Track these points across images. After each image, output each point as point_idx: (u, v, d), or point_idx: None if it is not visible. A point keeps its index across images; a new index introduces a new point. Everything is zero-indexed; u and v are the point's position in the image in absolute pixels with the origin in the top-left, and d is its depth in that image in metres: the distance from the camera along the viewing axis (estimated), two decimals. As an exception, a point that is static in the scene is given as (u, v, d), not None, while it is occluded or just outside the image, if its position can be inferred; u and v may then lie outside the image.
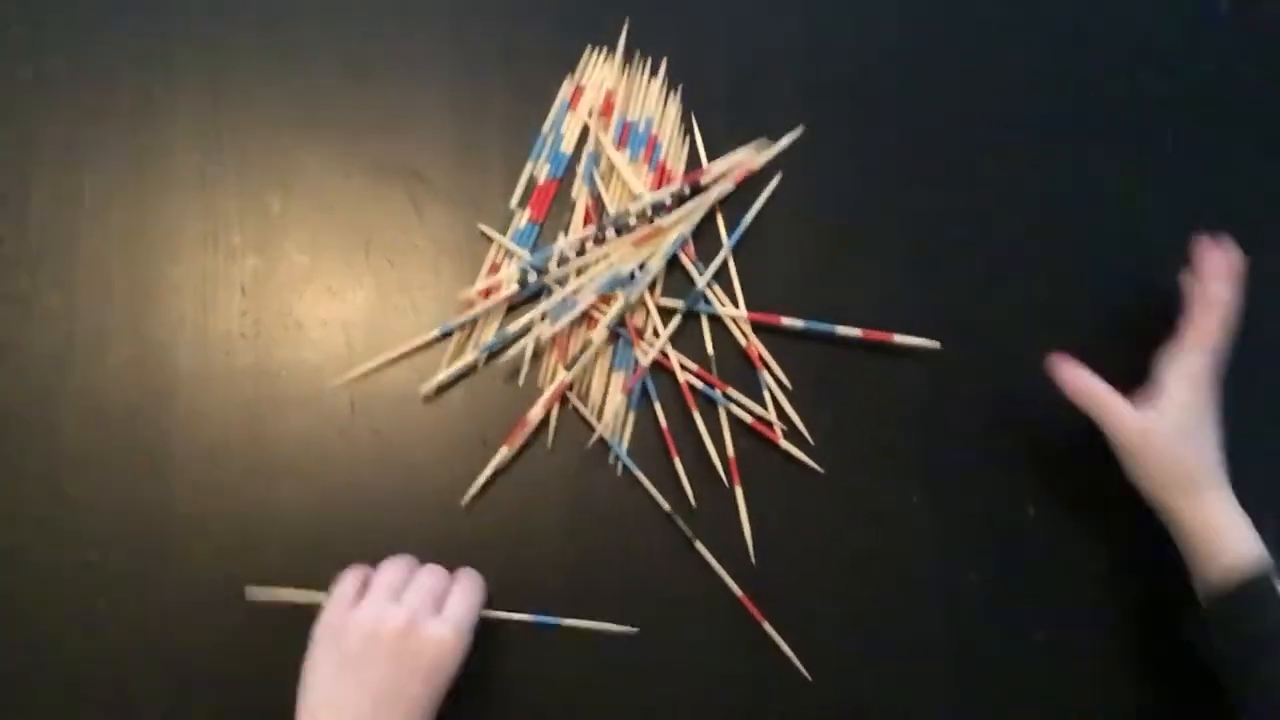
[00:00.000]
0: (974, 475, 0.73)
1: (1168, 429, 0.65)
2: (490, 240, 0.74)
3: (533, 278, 0.72)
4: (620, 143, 0.76)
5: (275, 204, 0.74)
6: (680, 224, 0.73)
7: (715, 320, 0.73)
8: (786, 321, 0.73)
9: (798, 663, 0.69)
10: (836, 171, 0.77)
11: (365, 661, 0.58)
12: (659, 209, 0.74)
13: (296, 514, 0.70)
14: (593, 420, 0.71)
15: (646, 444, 0.72)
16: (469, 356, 0.72)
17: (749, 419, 0.72)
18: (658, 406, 0.72)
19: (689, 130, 0.76)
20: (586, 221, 0.74)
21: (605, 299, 0.72)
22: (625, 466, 0.71)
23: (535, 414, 0.70)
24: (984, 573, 0.72)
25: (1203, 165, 0.79)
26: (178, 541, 0.69)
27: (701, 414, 0.71)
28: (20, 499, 0.70)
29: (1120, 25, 0.82)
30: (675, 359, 0.72)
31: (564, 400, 0.72)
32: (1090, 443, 0.72)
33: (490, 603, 0.66)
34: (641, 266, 0.73)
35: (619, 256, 0.73)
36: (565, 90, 0.76)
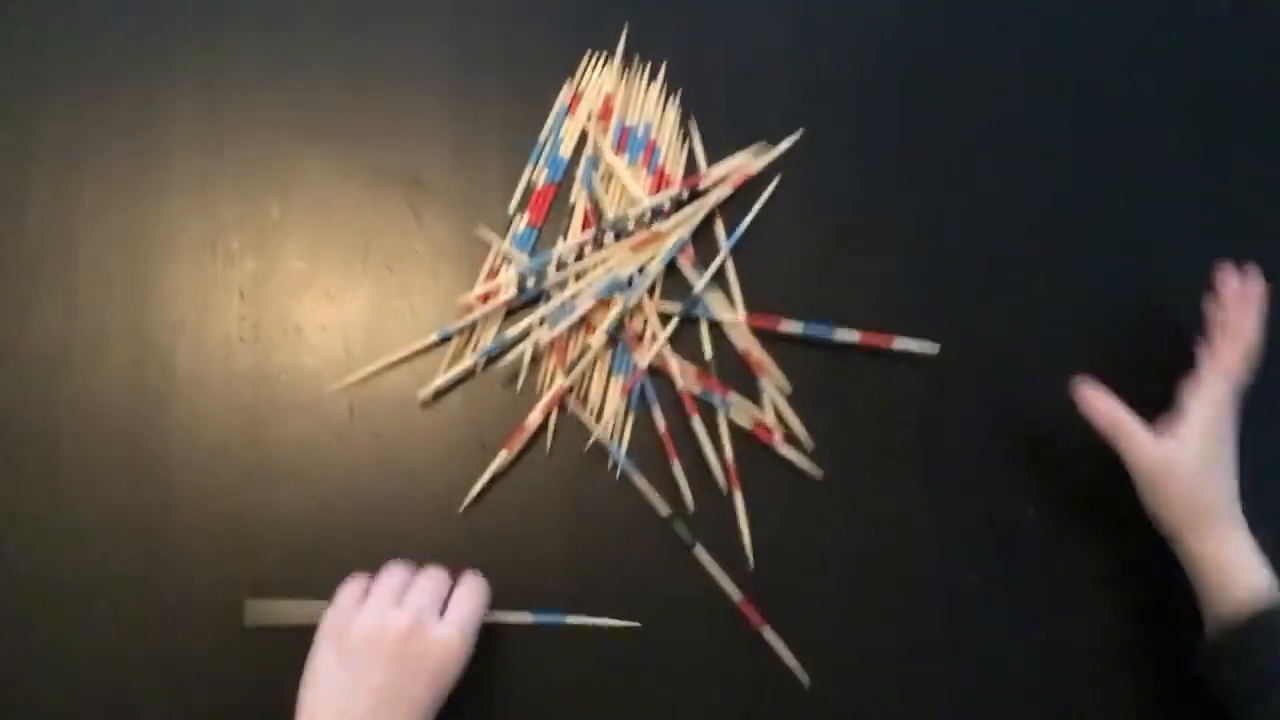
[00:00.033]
0: (973, 478, 0.73)
1: (1189, 460, 0.64)
2: (489, 245, 0.74)
3: (531, 282, 0.72)
4: (619, 147, 0.76)
5: (274, 208, 0.74)
6: (679, 228, 0.73)
7: (714, 324, 0.73)
8: (785, 325, 0.73)
9: (797, 666, 0.69)
10: (835, 175, 0.77)
11: (368, 663, 0.58)
12: (658, 213, 0.74)
13: (295, 518, 0.70)
14: (591, 424, 0.71)
15: (645, 448, 0.72)
16: (468, 361, 0.72)
17: (747, 423, 0.72)
18: (656, 410, 0.72)
19: (687, 134, 0.76)
20: (585, 226, 0.74)
21: (604, 303, 0.72)
22: (624, 471, 0.71)
23: (534, 418, 0.70)
24: (983, 575, 0.72)
25: (1203, 166, 0.80)
26: (176, 545, 0.69)
27: (700, 418, 0.71)
28: (19, 501, 0.70)
29: (1120, 26, 0.82)
30: (674, 363, 0.72)
31: (563, 405, 0.72)
32: (1088, 445, 0.72)
33: (492, 606, 0.66)
34: (640, 271, 0.73)
35: (618, 261, 0.73)
36: (564, 95, 0.76)
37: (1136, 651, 0.71)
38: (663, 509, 0.70)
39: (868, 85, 0.79)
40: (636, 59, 0.77)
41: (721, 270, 0.74)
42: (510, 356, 0.71)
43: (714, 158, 0.76)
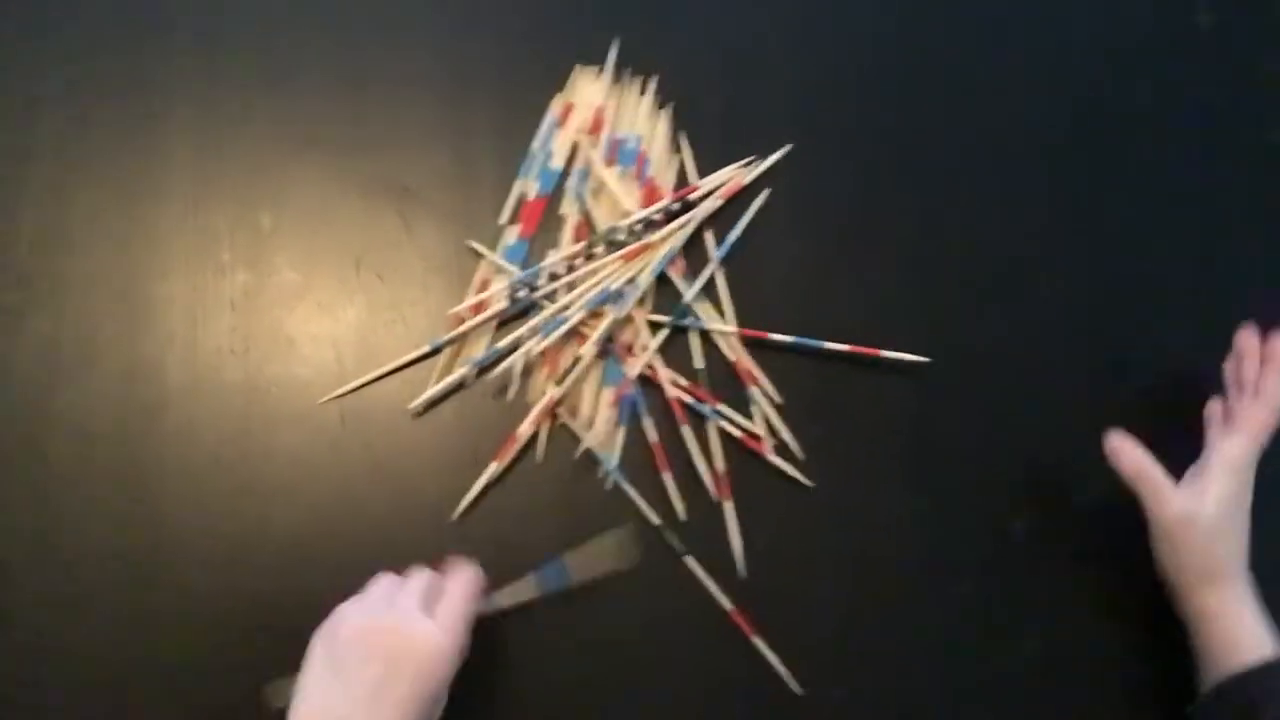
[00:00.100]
0: (962, 488, 0.74)
1: (1209, 519, 0.64)
2: (480, 256, 0.74)
3: (522, 294, 0.73)
4: (609, 159, 0.76)
5: (266, 220, 0.74)
6: (669, 240, 0.74)
7: (704, 335, 0.74)
8: (775, 336, 0.73)
9: (788, 675, 0.69)
10: (824, 187, 0.77)
11: (353, 663, 0.57)
12: (648, 225, 0.74)
13: (287, 529, 0.70)
14: (582, 435, 0.71)
15: (636, 458, 0.72)
16: (459, 372, 0.72)
17: (738, 433, 0.72)
18: (647, 421, 0.72)
19: (678, 147, 0.77)
20: (576, 238, 0.75)
21: (595, 314, 0.73)
22: (615, 481, 0.71)
23: (525, 429, 0.71)
24: (972, 584, 0.72)
25: (1187, 177, 0.80)
26: (168, 558, 0.69)
27: (691, 428, 0.72)
28: (9, 515, 0.70)
29: (1107, 39, 0.83)
30: (664, 374, 0.72)
31: (554, 415, 0.72)
32: (1078, 455, 0.73)
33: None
34: (631, 282, 0.73)
35: (608, 272, 0.73)
36: (555, 107, 0.77)
37: (1127, 661, 0.71)
38: (653, 518, 0.71)
39: (856, 99, 0.80)
40: (627, 73, 0.78)
41: (712, 281, 0.74)
42: (501, 367, 0.72)
43: (704, 170, 0.76)
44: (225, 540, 0.69)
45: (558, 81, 0.78)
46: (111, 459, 0.70)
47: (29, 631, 0.68)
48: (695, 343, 0.73)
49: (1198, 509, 0.64)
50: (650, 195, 0.75)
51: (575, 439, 0.71)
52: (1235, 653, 0.63)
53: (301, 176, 0.75)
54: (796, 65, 0.80)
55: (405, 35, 0.78)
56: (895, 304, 0.76)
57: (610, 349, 0.73)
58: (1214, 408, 0.71)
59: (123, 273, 0.73)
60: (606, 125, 0.76)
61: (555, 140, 0.76)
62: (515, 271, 0.73)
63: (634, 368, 0.72)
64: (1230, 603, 0.64)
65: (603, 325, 0.72)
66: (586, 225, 0.75)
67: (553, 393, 0.71)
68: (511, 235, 0.75)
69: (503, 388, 0.72)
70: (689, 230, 0.74)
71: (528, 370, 0.72)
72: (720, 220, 0.76)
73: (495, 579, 0.67)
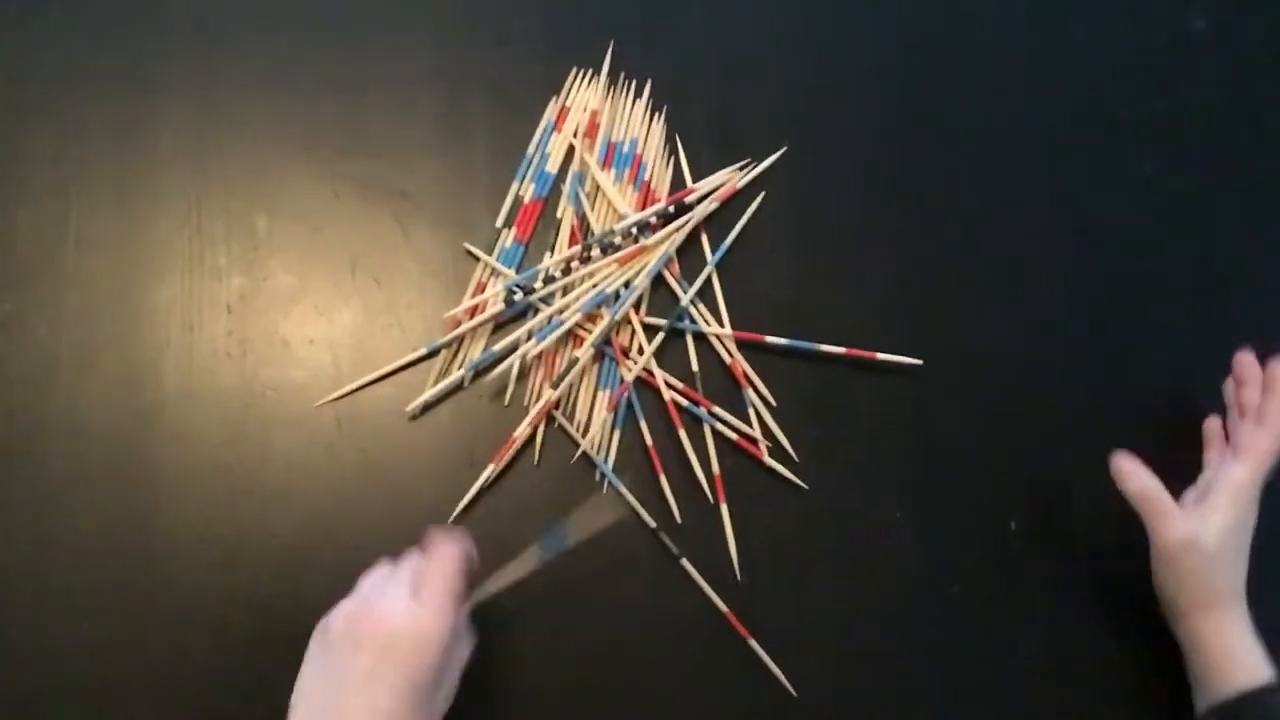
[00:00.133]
0: (957, 490, 0.74)
1: (1211, 546, 0.64)
2: (476, 259, 0.74)
3: (519, 297, 0.73)
4: (605, 163, 0.76)
5: (261, 224, 0.74)
6: (665, 243, 0.74)
7: (700, 338, 0.74)
8: (771, 339, 0.74)
9: (783, 678, 0.69)
10: (820, 191, 0.78)
11: (345, 654, 0.56)
12: (644, 228, 0.74)
13: (284, 532, 0.70)
14: (578, 438, 0.71)
15: (632, 461, 0.72)
16: (455, 375, 0.72)
17: (734, 436, 0.72)
18: (643, 424, 0.72)
19: (673, 150, 0.77)
20: (572, 241, 0.75)
21: (591, 317, 0.73)
22: (611, 483, 0.71)
23: (521, 432, 0.71)
24: (967, 586, 0.72)
25: (1181, 180, 0.81)
26: (164, 560, 0.69)
27: (687, 431, 0.72)
28: (6, 517, 0.69)
29: (1099, 46, 0.83)
30: (660, 376, 0.72)
31: (550, 418, 0.72)
32: (1074, 457, 0.73)
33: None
34: (626, 285, 0.73)
35: (604, 275, 0.74)
36: (550, 111, 0.77)
37: (1124, 662, 0.72)
38: (649, 521, 0.71)
39: (852, 102, 0.80)
40: (622, 76, 0.78)
41: (707, 284, 0.75)
42: (498, 370, 0.72)
43: (699, 174, 0.77)
44: (222, 543, 0.69)
45: (553, 85, 0.78)
46: (108, 462, 0.70)
47: (26, 634, 0.68)
48: (691, 345, 0.74)
49: (1200, 536, 0.64)
50: (646, 198, 0.76)
51: (572, 441, 0.72)
52: (1230, 677, 0.63)
53: (298, 180, 0.75)
54: (791, 68, 0.80)
55: (402, 40, 0.78)
56: (891, 307, 0.76)
57: (606, 351, 0.73)
58: (1213, 425, 0.71)
59: (119, 276, 0.73)
60: (602, 129, 0.77)
61: (551, 144, 0.77)
62: (511, 275, 0.73)
63: (630, 371, 0.72)
64: (1226, 627, 0.64)
65: (599, 328, 0.72)
66: (582, 228, 0.75)
67: (549, 395, 0.71)
68: (508, 238, 0.75)
69: (499, 390, 0.72)
70: (685, 233, 0.74)
71: (524, 373, 0.72)
72: (716, 223, 0.76)
73: (489, 580, 0.67)
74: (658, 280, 0.74)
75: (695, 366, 0.73)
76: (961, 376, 0.75)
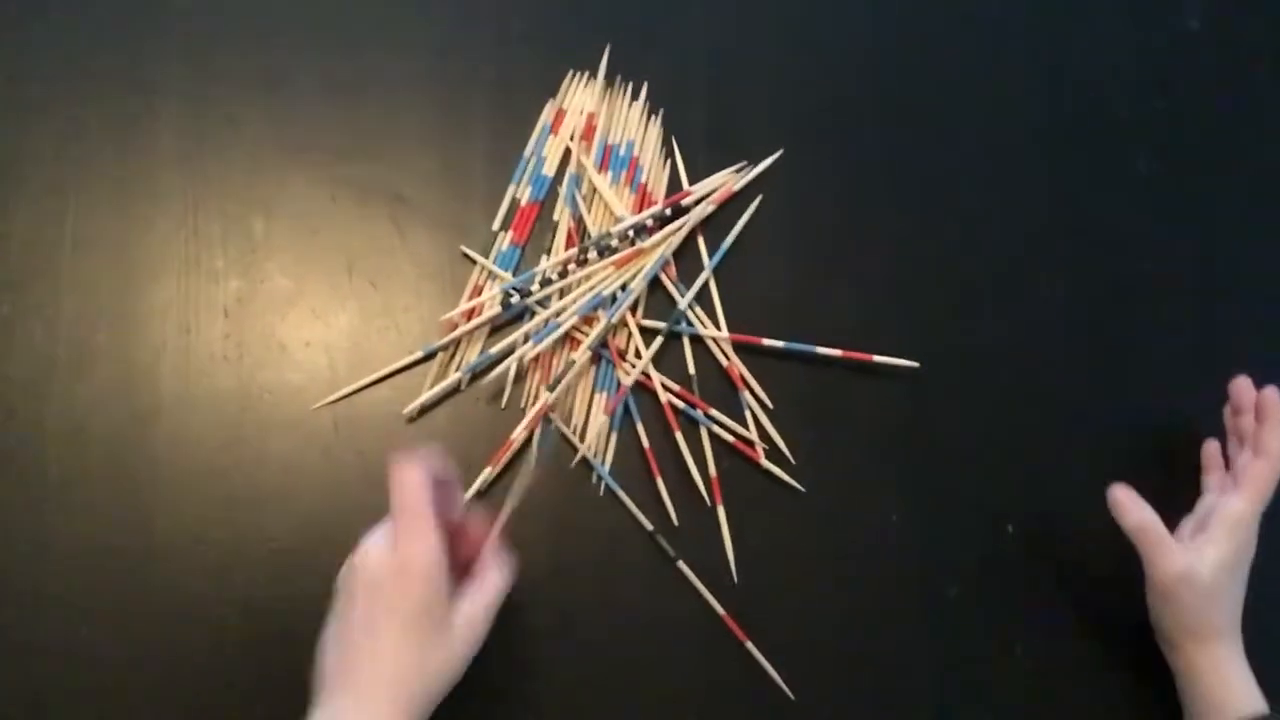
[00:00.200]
0: (953, 493, 0.74)
1: (1207, 580, 0.64)
2: (473, 262, 0.74)
3: (515, 300, 0.73)
4: (602, 166, 0.76)
5: (258, 226, 0.74)
6: (661, 246, 0.74)
7: (697, 341, 0.74)
8: (768, 342, 0.74)
9: (780, 681, 0.69)
10: (816, 193, 0.78)
11: (343, 612, 0.56)
12: (640, 231, 0.74)
13: (281, 535, 0.70)
14: (575, 441, 0.71)
15: (629, 464, 0.72)
16: (452, 378, 0.72)
17: (731, 439, 0.72)
18: (640, 427, 0.72)
19: (670, 153, 0.77)
20: (569, 244, 0.75)
21: (588, 320, 0.73)
22: (608, 486, 0.71)
23: (519, 434, 0.71)
24: (964, 589, 0.73)
25: (1175, 180, 0.81)
26: (161, 565, 0.69)
27: (683, 434, 0.72)
28: (2, 521, 0.69)
29: (1095, 46, 0.83)
30: (657, 379, 0.72)
31: (547, 421, 0.72)
32: (1066, 459, 0.73)
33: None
34: (623, 288, 0.73)
35: (601, 278, 0.74)
36: (547, 114, 0.77)
37: (1122, 665, 0.72)
38: (646, 524, 0.71)
39: (848, 104, 0.80)
40: (619, 79, 0.78)
41: (704, 287, 0.75)
42: (495, 373, 0.72)
43: (696, 176, 0.77)
44: (219, 545, 0.69)
45: (550, 88, 0.78)
46: (105, 465, 0.70)
47: (24, 635, 0.68)
48: (688, 348, 0.74)
49: (1197, 569, 0.64)
50: (642, 201, 0.76)
51: (569, 444, 0.72)
52: (1224, 709, 0.63)
53: (294, 182, 0.75)
54: (788, 70, 0.80)
55: (399, 42, 0.78)
56: (888, 309, 0.76)
57: (603, 354, 0.73)
58: (1211, 450, 0.71)
59: (116, 278, 0.73)
60: (599, 131, 0.76)
61: (547, 146, 0.77)
62: (508, 277, 0.73)
63: (627, 373, 0.72)
64: (1221, 660, 0.65)
65: (596, 331, 0.72)
66: (579, 231, 0.75)
67: (546, 398, 0.71)
68: (504, 241, 0.75)
69: (496, 393, 0.72)
70: (681, 236, 0.74)
71: (521, 376, 0.72)
72: (713, 226, 0.76)
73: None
74: (654, 283, 0.74)
75: (692, 369, 0.73)
76: (959, 378, 0.75)
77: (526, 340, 0.72)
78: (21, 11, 0.77)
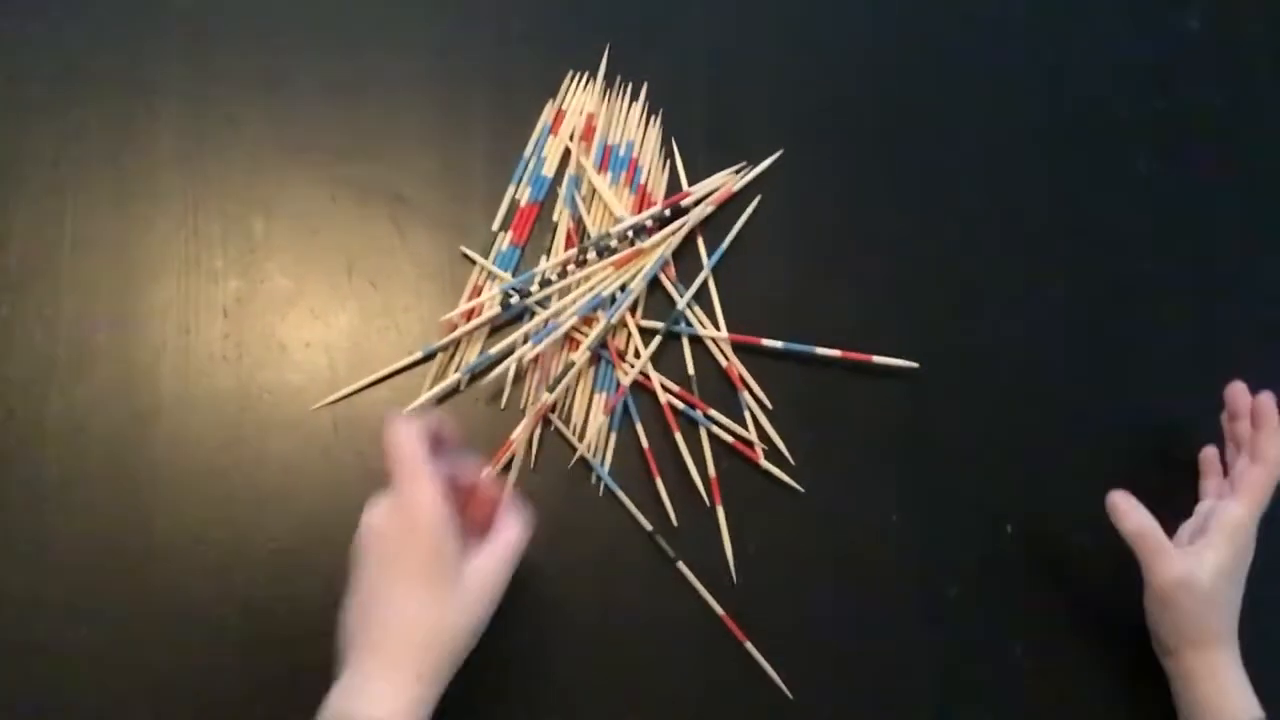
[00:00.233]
0: (953, 493, 0.74)
1: (1205, 584, 0.63)
2: (473, 263, 0.74)
3: (515, 300, 0.73)
4: (601, 166, 0.76)
5: (258, 227, 0.74)
6: (661, 246, 0.74)
7: (696, 341, 0.74)
8: (767, 342, 0.74)
9: (779, 681, 0.69)
10: (815, 194, 0.78)
11: (357, 577, 0.56)
12: (640, 231, 0.75)
13: (280, 536, 0.70)
14: (575, 441, 0.71)
15: (628, 464, 0.72)
16: (452, 378, 0.72)
17: (730, 439, 0.72)
18: (639, 427, 0.72)
19: (669, 154, 0.77)
20: (568, 244, 0.75)
21: (587, 321, 0.73)
22: (607, 486, 0.71)
23: (518, 435, 0.71)
24: (963, 589, 0.73)
25: (1174, 183, 0.81)
26: (161, 564, 0.69)
27: (683, 434, 0.72)
28: (2, 521, 0.69)
29: (1096, 47, 0.83)
30: (656, 380, 0.72)
31: (546, 421, 0.72)
32: (1065, 460, 0.73)
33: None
34: (623, 288, 0.73)
35: (600, 278, 0.74)
36: (547, 114, 0.77)
37: (1114, 667, 0.72)
38: (646, 524, 0.71)
39: (848, 104, 0.80)
40: (618, 80, 0.78)
41: (703, 288, 0.75)
42: (494, 373, 0.72)
43: (695, 177, 0.77)
44: (218, 547, 0.69)
45: (550, 88, 0.78)
46: (104, 465, 0.70)
47: (22, 636, 0.68)
48: (687, 349, 0.74)
49: (1196, 575, 0.64)
50: (642, 201, 0.76)
51: (568, 444, 0.72)
52: (1219, 715, 0.63)
53: (294, 183, 0.75)
54: (787, 71, 0.80)
55: (398, 42, 0.78)
56: (887, 309, 0.76)
57: (602, 354, 0.73)
58: (1209, 455, 0.71)
59: (115, 279, 0.73)
60: (598, 132, 0.76)
61: (547, 147, 0.77)
62: (507, 278, 0.73)
63: (626, 374, 0.72)
64: (1218, 666, 0.64)
65: (595, 331, 0.72)
66: (578, 232, 0.75)
67: (545, 398, 0.71)
68: (504, 242, 0.75)
69: (495, 394, 0.72)
70: (680, 236, 0.74)
71: (520, 376, 0.72)
72: (712, 226, 0.76)
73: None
74: (654, 283, 0.74)
75: (691, 370, 0.73)
76: (959, 378, 0.75)
77: (526, 341, 0.72)
78: (23, 11, 0.77)
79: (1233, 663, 0.65)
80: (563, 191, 0.76)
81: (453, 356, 0.73)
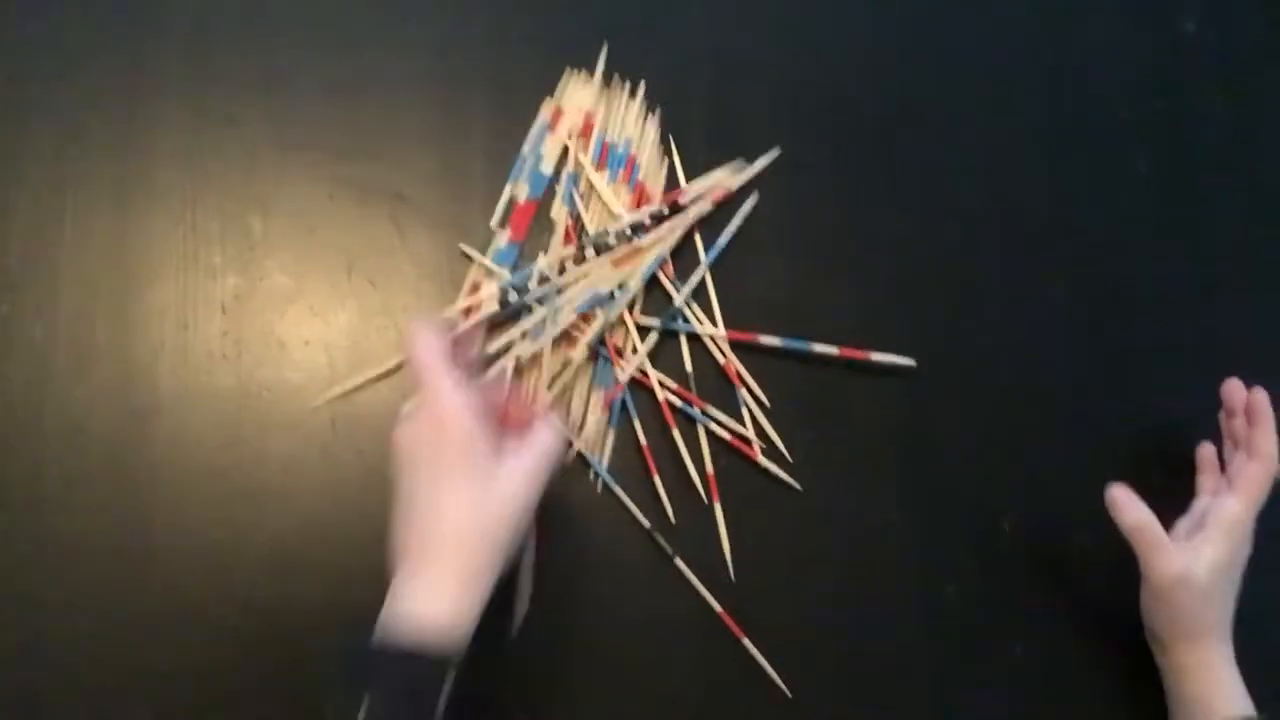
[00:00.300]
0: (951, 491, 0.74)
1: (1202, 581, 0.64)
2: (471, 260, 0.74)
3: (513, 297, 0.73)
4: (599, 163, 0.76)
5: (257, 224, 0.75)
6: (659, 244, 0.74)
7: (694, 338, 0.74)
8: (764, 339, 0.74)
9: (777, 679, 0.69)
10: (813, 191, 0.78)
11: (401, 484, 0.57)
12: (638, 229, 0.75)
13: (280, 533, 0.70)
14: (573, 438, 0.71)
15: (626, 461, 0.72)
16: (450, 376, 0.72)
17: (728, 436, 0.72)
18: (637, 424, 0.72)
19: (667, 151, 0.77)
20: (566, 241, 0.75)
21: (585, 318, 0.73)
22: (605, 483, 0.71)
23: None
24: (962, 587, 0.73)
25: (1174, 183, 0.81)
26: (160, 563, 0.69)
27: (681, 431, 0.72)
28: (1, 521, 0.69)
29: (1093, 48, 0.83)
30: (654, 377, 0.72)
31: (545, 419, 0.72)
32: (1065, 459, 0.73)
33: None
34: (621, 286, 0.73)
35: (598, 276, 0.74)
36: (545, 112, 0.77)
37: (1114, 666, 0.72)
38: (644, 521, 0.71)
39: (845, 103, 0.80)
40: (616, 77, 0.78)
41: (701, 285, 0.75)
42: (493, 371, 0.72)
43: (693, 174, 0.76)
44: (217, 545, 0.69)
45: (548, 86, 0.78)
46: (103, 464, 0.70)
47: (23, 635, 0.68)
48: (685, 346, 0.74)
49: (1193, 570, 0.64)
50: (640, 199, 0.76)
51: (566, 441, 0.72)
52: (1211, 712, 0.63)
53: (293, 181, 0.75)
54: (786, 69, 0.80)
55: (398, 42, 0.78)
56: (887, 308, 0.76)
57: (601, 352, 0.73)
58: (1205, 452, 0.71)
59: (114, 277, 0.73)
60: (596, 129, 0.77)
61: (545, 144, 0.77)
62: (506, 275, 0.73)
63: (624, 371, 0.72)
64: (1211, 661, 0.65)
65: (593, 328, 0.72)
66: (577, 229, 0.75)
67: (544, 396, 0.71)
68: (502, 239, 0.75)
69: (494, 391, 0.72)
70: (678, 234, 0.74)
71: (518, 373, 0.72)
72: (710, 224, 0.76)
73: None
74: (652, 281, 0.74)
75: (689, 367, 0.73)
76: (958, 378, 0.75)
77: (524, 338, 0.72)
78: (23, 11, 0.77)
79: (1225, 659, 0.65)
80: (561, 189, 0.76)
81: (451, 354, 0.73)
